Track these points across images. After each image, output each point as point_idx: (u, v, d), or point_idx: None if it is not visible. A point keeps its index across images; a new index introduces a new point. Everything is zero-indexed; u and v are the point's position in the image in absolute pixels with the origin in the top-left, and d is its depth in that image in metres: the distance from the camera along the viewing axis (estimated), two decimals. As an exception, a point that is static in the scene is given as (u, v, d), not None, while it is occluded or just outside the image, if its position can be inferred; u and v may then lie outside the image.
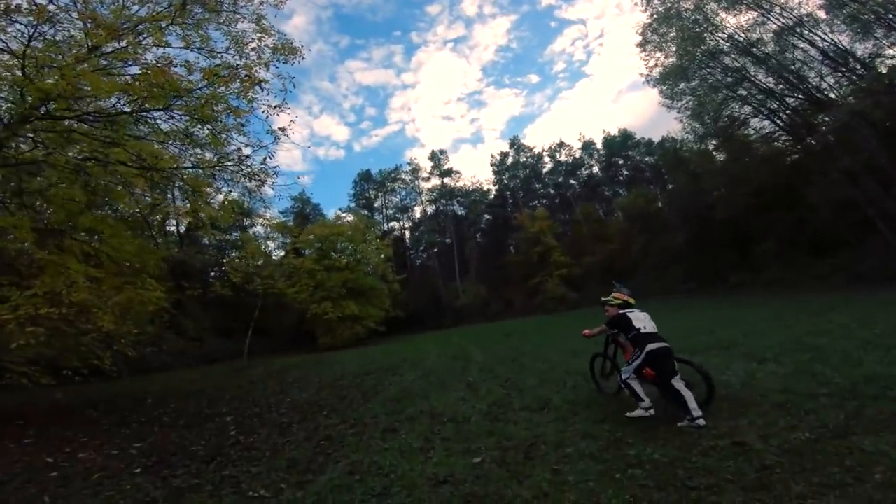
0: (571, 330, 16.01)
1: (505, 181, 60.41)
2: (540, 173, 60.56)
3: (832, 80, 22.22)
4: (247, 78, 9.88)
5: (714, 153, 30.16)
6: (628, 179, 55.71)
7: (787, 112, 24.09)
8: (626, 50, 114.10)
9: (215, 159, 10.85)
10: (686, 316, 16.26)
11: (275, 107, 10.83)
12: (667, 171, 41.22)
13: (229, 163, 10.78)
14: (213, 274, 34.68)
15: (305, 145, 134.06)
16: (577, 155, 59.43)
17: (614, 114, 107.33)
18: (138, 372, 17.09)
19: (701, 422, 4.25)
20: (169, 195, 15.89)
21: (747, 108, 25.08)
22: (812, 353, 6.76)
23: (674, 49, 24.71)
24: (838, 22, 20.56)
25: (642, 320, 5.08)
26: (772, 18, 22.53)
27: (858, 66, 20.72)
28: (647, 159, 54.18)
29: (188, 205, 11.90)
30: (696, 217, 29.83)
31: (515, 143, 60.26)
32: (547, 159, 60.54)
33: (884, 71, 20.02)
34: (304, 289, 30.10)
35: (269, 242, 38.24)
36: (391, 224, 59.21)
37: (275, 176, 11.91)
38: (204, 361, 23.27)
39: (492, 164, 60.80)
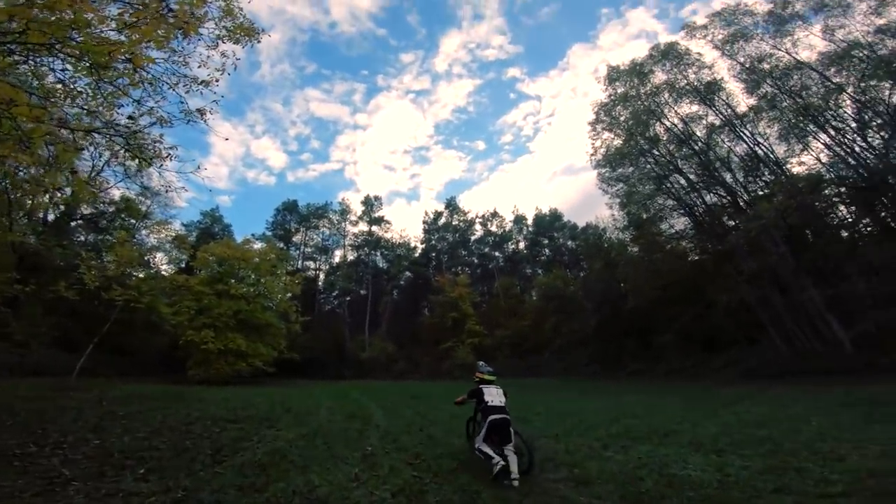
0: None
1: (433, 241, 60.37)
2: (468, 240, 61.55)
3: (751, 180, 25.14)
4: (174, 20, 7.96)
5: (630, 245, 32.38)
6: (549, 260, 58.42)
7: (703, 209, 26.63)
8: (569, 133, 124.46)
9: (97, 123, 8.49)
10: (601, 399, 15.64)
11: (201, 82, 8.89)
12: (585, 257, 43.76)
13: (113, 130, 8.47)
14: (76, 274, 28.73)
15: (224, 137, 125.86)
16: (508, 227, 61.54)
17: (546, 194, 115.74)
18: None
19: (516, 483, 4.96)
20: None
21: (670, 202, 27.41)
22: (769, 445, 6.08)
23: (621, 131, 26.94)
24: (763, 125, 23.63)
25: (493, 395, 5.88)
26: (711, 113, 25.57)
27: (775, 169, 23.59)
28: (568, 243, 57.62)
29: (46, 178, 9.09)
30: (608, 304, 31.20)
31: (451, 205, 61.36)
32: (478, 227, 61.98)
33: (800, 175, 22.81)
34: (184, 311, 25.54)
35: (158, 253, 33.33)
36: (307, 262, 55.32)
37: (169, 158, 9.66)
38: (23, 373, 18.32)
39: (424, 222, 60.92)
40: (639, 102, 26.82)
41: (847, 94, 20.95)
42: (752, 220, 19.89)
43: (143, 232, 32.35)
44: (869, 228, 20.65)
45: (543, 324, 37.83)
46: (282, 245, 48.88)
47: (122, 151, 9.23)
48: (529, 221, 61.70)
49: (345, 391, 20.76)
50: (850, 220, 21.62)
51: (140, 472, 5.13)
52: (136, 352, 27.84)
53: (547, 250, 60.92)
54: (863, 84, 20.07)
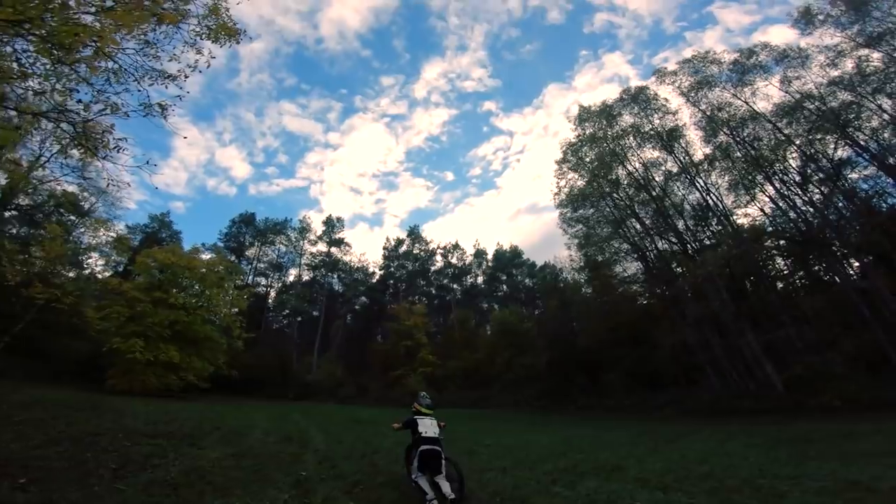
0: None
1: (392, 269, 59.68)
2: (428, 270, 61.31)
3: (700, 228, 26.48)
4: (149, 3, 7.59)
5: (585, 286, 33.26)
6: (506, 296, 59.03)
7: (655, 254, 27.77)
8: (536, 171, 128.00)
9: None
10: (550, 433, 15.44)
11: (167, 76, 8.47)
12: (542, 295, 44.58)
13: (63, 116, 7.91)
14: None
15: (184, 135, 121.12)
16: (468, 261, 61.88)
17: (508, 231, 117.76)
18: None
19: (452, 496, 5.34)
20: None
21: (626, 246, 28.41)
22: (712, 482, 6.10)
23: (586, 173, 27.79)
24: (716, 174, 24.87)
25: (427, 426, 6.12)
26: (670, 160, 26.94)
27: (722, 220, 24.93)
28: (526, 281, 58.62)
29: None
30: (561, 342, 31.65)
31: (414, 233, 61.21)
32: (439, 258, 61.94)
33: (744, 227, 24.01)
34: (113, 316, 23.42)
35: (94, 254, 30.95)
36: (258, 278, 52.93)
37: (117, 149, 9.04)
38: None
39: (385, 248, 60.35)
40: (605, 144, 27.89)
41: (795, 146, 22.33)
42: (698, 267, 20.96)
43: (82, 230, 30.10)
44: (803, 280, 22.29)
45: (496, 357, 37.76)
46: (233, 258, 46.62)
47: (68, 140, 8.64)
48: (490, 256, 62.63)
49: (285, 412, 19.44)
50: (785, 271, 23.32)
51: (20, 482, 4.34)
52: (53, 356, 25.05)
53: (505, 286, 61.68)
54: (810, 137, 21.56)
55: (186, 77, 8.64)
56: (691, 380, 21.96)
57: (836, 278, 20.42)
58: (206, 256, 36.34)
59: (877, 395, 13.62)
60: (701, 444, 10.34)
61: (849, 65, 21.32)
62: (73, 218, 30.57)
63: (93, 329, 23.33)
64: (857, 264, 20.50)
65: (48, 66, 7.68)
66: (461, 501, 5.46)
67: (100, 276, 30.48)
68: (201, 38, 8.89)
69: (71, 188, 27.95)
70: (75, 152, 9.13)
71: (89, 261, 30.85)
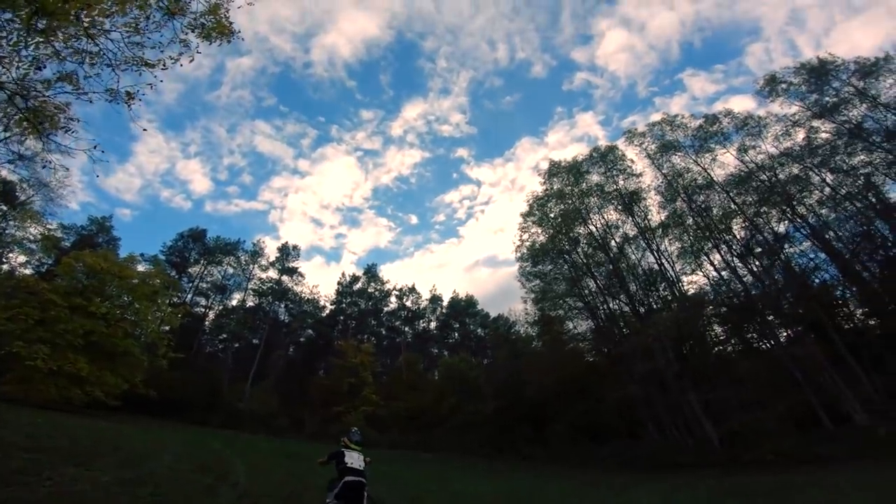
0: (376, 474, 12.76)
1: (344, 304, 57.76)
2: (381, 311, 59.84)
3: (649, 292, 27.40)
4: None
5: (536, 339, 33.36)
6: (456, 343, 58.22)
7: (605, 314, 28.36)
8: (499, 224, 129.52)
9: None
10: (496, 480, 14.79)
11: (145, 64, 8.16)
12: (493, 345, 44.36)
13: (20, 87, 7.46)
14: None
15: (143, 128, 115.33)
16: (423, 305, 60.95)
17: (464, 281, 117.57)
18: None
19: None
20: None
21: (579, 304, 28.89)
22: None
23: (549, 228, 28.40)
24: (668, 241, 25.92)
25: (354, 459, 6.21)
26: (629, 223, 28.04)
27: (669, 286, 25.91)
28: (478, 330, 58.35)
29: None
30: (508, 391, 31.26)
31: (371, 272, 60.12)
32: (393, 299, 60.68)
33: (688, 294, 24.99)
34: (21, 317, 20.84)
35: (15, 247, 28.20)
36: (198, 298, 49.41)
37: (65, 130, 8.49)
38: None
39: (339, 283, 58.56)
40: (570, 202, 28.89)
41: (743, 216, 23.85)
42: (650, 327, 21.66)
43: (11, 221, 27.42)
44: (737, 346, 23.53)
45: (443, 402, 36.77)
46: (174, 273, 43.59)
47: (16, 114, 8.12)
48: (445, 303, 62.28)
49: (205, 439, 17.46)
50: (722, 337, 24.61)
51: None
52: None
53: (457, 334, 61.07)
54: (758, 209, 23.09)
55: (165, 67, 8.33)
56: (633, 434, 22.23)
57: (771, 343, 21.72)
58: (141, 268, 33.74)
59: (806, 451, 14.18)
60: (647, 498, 10.19)
61: (800, 136, 23.18)
62: (3, 208, 27.91)
63: (-8, 331, 20.55)
64: (788, 332, 21.95)
65: (21, 32, 7.21)
66: None
67: (16, 274, 27.45)
68: (191, 31, 8.70)
69: (9, 175, 25.79)
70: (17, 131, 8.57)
71: (9, 255, 27.85)
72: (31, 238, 28.62)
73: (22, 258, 30.04)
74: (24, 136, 9.51)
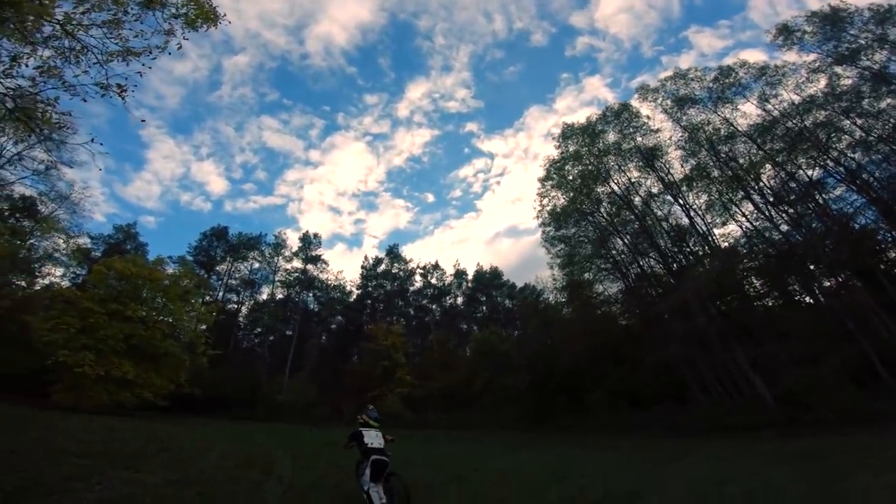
0: (416, 455, 12.69)
1: (370, 288, 58.23)
2: (407, 290, 60.04)
3: (679, 248, 26.28)
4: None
5: (566, 306, 32.77)
6: (485, 317, 58.11)
7: (637, 274, 27.51)
8: (516, 194, 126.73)
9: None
10: (538, 454, 14.52)
11: (130, 53, 7.80)
12: (522, 316, 43.98)
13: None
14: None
15: (141, 119, 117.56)
16: (448, 281, 60.69)
17: (486, 254, 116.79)
18: None
19: None
20: None
21: (608, 265, 28.13)
22: None
23: (569, 190, 27.53)
24: (693, 195, 24.79)
25: (372, 437, 6.35)
26: (651, 179, 27.11)
27: (699, 240, 24.81)
28: (506, 302, 58.01)
29: None
30: (541, 362, 30.92)
31: (393, 253, 60.13)
32: (418, 278, 60.67)
33: (721, 247, 23.93)
34: (62, 327, 21.62)
35: (49, 263, 29.24)
36: (229, 295, 50.71)
37: (59, 126, 8.25)
38: None
39: (363, 267, 58.93)
40: (588, 162, 27.87)
41: (771, 164, 22.69)
42: (687, 281, 20.76)
43: (38, 234, 28.31)
44: (779, 300, 22.38)
45: (475, 378, 36.66)
46: (203, 272, 44.61)
47: (4, 113, 7.87)
48: (470, 277, 61.79)
49: (249, 434, 17.90)
50: (761, 291, 23.43)
51: None
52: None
53: (485, 307, 60.82)
54: (787, 156, 21.87)
55: (151, 54, 8.01)
56: (676, 397, 21.47)
57: (816, 294, 20.55)
58: (170, 269, 34.57)
59: (866, 408, 13.36)
60: (708, 464, 9.60)
61: (822, 83, 21.93)
62: (28, 224, 28.79)
63: (38, 340, 21.42)
64: (833, 280, 20.70)
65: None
66: None
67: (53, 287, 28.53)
68: (175, 20, 8.32)
69: (27, 191, 26.53)
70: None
71: (42, 269, 28.89)
72: (62, 250, 29.46)
73: (58, 271, 31.11)
74: (21, 136, 9.34)
